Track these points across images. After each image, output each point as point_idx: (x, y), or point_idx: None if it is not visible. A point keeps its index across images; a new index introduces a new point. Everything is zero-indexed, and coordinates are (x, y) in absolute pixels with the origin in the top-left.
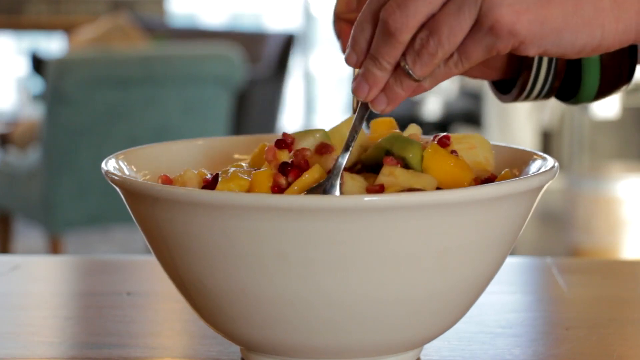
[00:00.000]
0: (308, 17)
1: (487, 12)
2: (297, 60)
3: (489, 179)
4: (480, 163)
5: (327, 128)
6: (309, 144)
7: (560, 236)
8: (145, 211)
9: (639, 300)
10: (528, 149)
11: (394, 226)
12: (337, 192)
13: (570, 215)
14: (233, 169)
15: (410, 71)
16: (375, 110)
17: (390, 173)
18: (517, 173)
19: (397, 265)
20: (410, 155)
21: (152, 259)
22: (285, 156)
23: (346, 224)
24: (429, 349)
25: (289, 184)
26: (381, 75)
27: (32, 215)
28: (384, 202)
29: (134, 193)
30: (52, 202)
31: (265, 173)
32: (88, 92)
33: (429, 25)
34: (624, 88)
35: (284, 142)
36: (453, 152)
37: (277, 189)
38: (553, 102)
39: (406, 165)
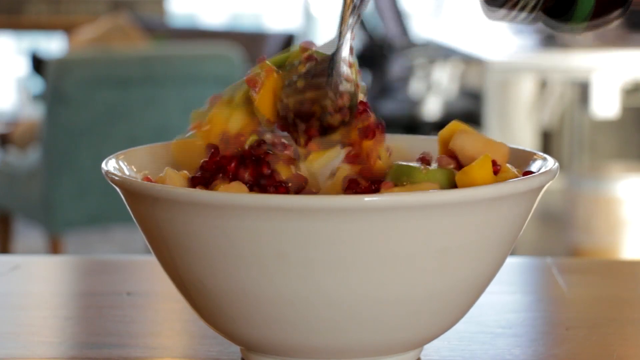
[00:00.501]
0: (308, 17)
1: None
2: None
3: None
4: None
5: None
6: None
7: (560, 236)
8: (145, 211)
9: (639, 300)
10: (528, 149)
11: (394, 226)
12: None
13: (570, 215)
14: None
15: None
16: None
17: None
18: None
19: (397, 265)
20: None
21: (152, 259)
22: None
23: (346, 224)
24: (429, 349)
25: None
26: None
27: (32, 215)
28: (384, 202)
29: (134, 193)
30: (52, 202)
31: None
32: (88, 92)
33: None
34: (618, 14)
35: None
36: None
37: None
38: (553, 102)
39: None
